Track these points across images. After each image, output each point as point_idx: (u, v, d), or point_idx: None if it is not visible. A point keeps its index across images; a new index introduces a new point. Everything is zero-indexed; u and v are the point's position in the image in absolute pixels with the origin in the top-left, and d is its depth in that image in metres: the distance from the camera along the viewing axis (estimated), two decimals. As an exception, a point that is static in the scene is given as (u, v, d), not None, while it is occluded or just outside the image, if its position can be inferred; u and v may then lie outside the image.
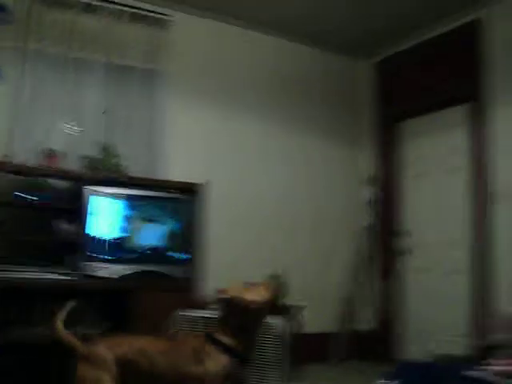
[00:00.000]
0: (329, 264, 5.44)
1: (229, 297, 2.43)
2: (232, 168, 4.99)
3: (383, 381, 2.21)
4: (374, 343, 5.28)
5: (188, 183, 4.25)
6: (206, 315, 3.15)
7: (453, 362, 2.71)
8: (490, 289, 4.39)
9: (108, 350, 2.25)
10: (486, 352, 2.70)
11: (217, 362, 2.30)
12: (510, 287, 3.53)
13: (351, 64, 5.87)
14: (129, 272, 3.88)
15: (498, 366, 2.41)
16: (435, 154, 5.19)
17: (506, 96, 4.46)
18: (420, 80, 5.21)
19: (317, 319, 5.16)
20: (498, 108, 4.51)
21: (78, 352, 2.26)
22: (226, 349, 2.34)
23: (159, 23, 4.65)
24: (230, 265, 4.72)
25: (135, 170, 4.36)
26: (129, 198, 4.00)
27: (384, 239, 5.49)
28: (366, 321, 5.50)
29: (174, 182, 4.34)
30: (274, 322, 2.89)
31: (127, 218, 3.99)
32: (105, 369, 2.20)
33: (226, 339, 2.35)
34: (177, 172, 4.52)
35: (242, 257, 4.88)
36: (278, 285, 3.21)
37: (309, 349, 4.95)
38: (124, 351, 2.27)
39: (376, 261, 5.52)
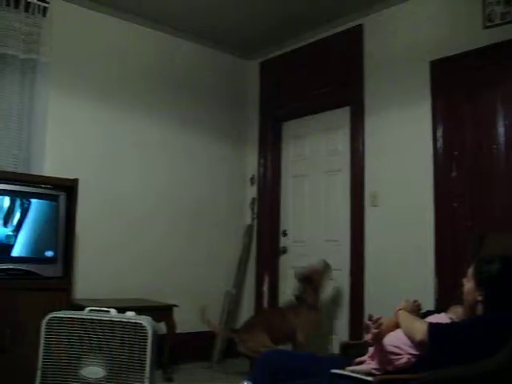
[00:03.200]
0: (212, 263, 5.39)
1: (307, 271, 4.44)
2: (109, 164, 4.79)
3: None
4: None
5: (60, 179, 4.03)
6: (80, 316, 2.95)
7: (321, 358, 2.73)
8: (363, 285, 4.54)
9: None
10: (351, 350, 2.74)
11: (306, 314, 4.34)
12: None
13: (240, 63, 5.85)
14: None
15: (362, 365, 2.44)
16: (316, 155, 5.29)
17: (379, 102, 4.61)
18: (304, 82, 5.29)
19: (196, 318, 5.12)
20: (374, 113, 4.65)
21: None
22: (309, 304, 4.38)
23: (39, 11, 4.35)
24: (104, 264, 4.60)
25: (7, 164, 4.13)
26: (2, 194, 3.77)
27: (265, 238, 5.52)
28: (246, 318, 5.49)
29: (46, 177, 4.11)
30: (142, 321, 2.76)
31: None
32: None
33: (308, 298, 4.38)
34: (51, 167, 4.30)
35: (117, 256, 4.75)
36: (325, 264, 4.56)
37: (191, 348, 4.92)
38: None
39: (257, 259, 5.53)
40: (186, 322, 4.79)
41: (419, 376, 2.02)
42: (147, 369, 2.75)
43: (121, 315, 2.89)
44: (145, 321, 2.79)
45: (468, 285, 2.48)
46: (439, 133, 4.16)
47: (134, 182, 4.92)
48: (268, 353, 2.73)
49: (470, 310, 2.45)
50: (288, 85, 5.46)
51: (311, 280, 4.46)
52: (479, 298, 2.41)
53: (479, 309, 2.42)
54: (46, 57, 4.37)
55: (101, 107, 4.75)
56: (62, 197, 3.98)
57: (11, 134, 4.25)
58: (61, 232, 3.96)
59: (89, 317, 2.88)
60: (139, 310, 3.08)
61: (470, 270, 2.51)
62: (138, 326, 2.78)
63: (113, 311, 2.90)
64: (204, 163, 5.45)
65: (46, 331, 2.84)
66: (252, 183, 5.70)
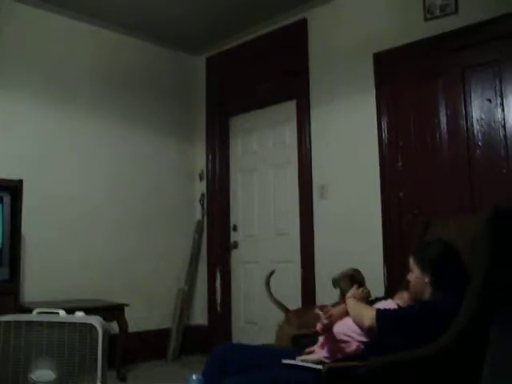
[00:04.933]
0: (162, 260, 5.34)
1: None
2: (51, 164, 4.66)
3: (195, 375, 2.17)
4: (207, 336, 5.29)
5: (4, 180, 3.94)
6: (28, 319, 2.88)
7: (273, 350, 2.75)
8: (314, 277, 4.59)
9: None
10: (302, 340, 2.77)
11: None
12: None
13: (186, 59, 5.81)
14: None
15: (312, 354, 2.48)
16: (263, 149, 5.32)
17: (325, 95, 4.66)
18: (250, 76, 5.30)
19: (153, 316, 5.10)
20: (320, 106, 4.69)
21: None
22: None
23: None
24: (52, 265, 4.52)
25: None
26: None
27: (215, 233, 5.52)
28: (199, 315, 5.53)
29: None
30: (92, 322, 2.72)
31: None
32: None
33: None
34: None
35: (64, 256, 4.65)
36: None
37: (145, 347, 4.90)
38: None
39: (208, 255, 5.53)
40: (139, 320, 4.76)
41: (367, 363, 2.06)
42: (99, 370, 2.72)
43: (70, 316, 2.85)
44: (95, 321, 2.76)
45: (413, 275, 2.56)
46: (384, 124, 4.24)
47: (76, 181, 4.80)
48: (221, 347, 2.73)
49: (420, 295, 2.51)
50: (235, 79, 5.46)
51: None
52: (426, 280, 2.49)
53: (428, 291, 2.49)
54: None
55: (40, 106, 4.62)
56: (7, 198, 3.88)
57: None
58: (6, 234, 3.86)
59: (37, 319, 2.83)
60: (89, 311, 3.06)
61: (411, 261, 2.58)
62: (87, 327, 2.75)
63: (62, 313, 2.86)
64: (150, 160, 5.39)
65: (-8, 336, 2.78)
66: (201, 179, 5.69)
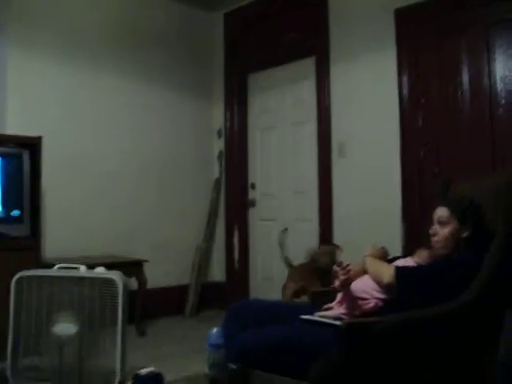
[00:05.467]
0: (181, 217, 5.38)
1: None
2: (72, 122, 4.64)
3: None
4: (225, 293, 5.37)
5: (24, 137, 3.93)
6: (49, 274, 2.93)
7: (293, 305, 2.78)
8: (332, 236, 4.59)
9: None
10: (320, 297, 2.78)
11: None
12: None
13: (203, 15, 5.71)
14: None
15: (331, 310, 2.49)
16: (282, 107, 5.26)
17: (345, 51, 4.57)
18: (269, 32, 5.22)
19: (172, 273, 5.16)
20: (339, 63, 4.61)
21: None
22: None
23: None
24: (72, 221, 4.57)
25: None
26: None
27: (233, 191, 5.53)
28: (217, 271, 5.61)
29: (8, 135, 4.00)
30: (112, 276, 2.76)
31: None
32: None
33: None
34: (14, 125, 4.19)
35: (85, 213, 4.69)
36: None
37: (163, 303, 4.97)
38: None
39: (226, 212, 5.55)
40: (157, 277, 4.82)
41: (386, 319, 2.06)
42: (119, 324, 2.76)
43: (90, 271, 2.89)
44: (115, 275, 2.80)
45: (446, 229, 2.45)
46: (405, 81, 4.17)
47: (97, 139, 4.81)
48: (238, 302, 2.76)
49: (445, 250, 2.47)
50: (253, 36, 5.39)
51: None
52: (465, 234, 2.43)
53: (458, 247, 2.43)
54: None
55: (62, 63, 4.59)
56: (26, 155, 3.89)
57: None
58: (26, 191, 3.88)
59: (58, 274, 2.87)
60: (109, 266, 3.08)
61: (447, 213, 2.49)
62: (108, 281, 2.78)
63: (82, 268, 2.90)
64: (169, 118, 5.37)
65: (15, 291, 2.83)
66: (219, 136, 5.66)
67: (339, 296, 2.51)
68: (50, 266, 3.09)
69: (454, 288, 2.21)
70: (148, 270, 4.47)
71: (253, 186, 5.48)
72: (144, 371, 2.76)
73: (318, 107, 4.78)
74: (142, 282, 4.38)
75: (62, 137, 4.52)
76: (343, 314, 2.41)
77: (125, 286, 2.82)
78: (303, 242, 4.72)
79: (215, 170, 5.66)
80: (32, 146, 3.93)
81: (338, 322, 2.24)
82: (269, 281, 5.19)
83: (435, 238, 2.50)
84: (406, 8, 4.13)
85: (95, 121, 4.82)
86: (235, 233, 5.49)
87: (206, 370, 2.76)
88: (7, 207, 3.85)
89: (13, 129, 4.15)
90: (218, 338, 2.65)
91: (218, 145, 5.67)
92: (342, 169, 4.56)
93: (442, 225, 2.48)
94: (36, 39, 4.46)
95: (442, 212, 2.51)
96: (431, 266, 2.45)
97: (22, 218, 3.86)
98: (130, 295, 3.03)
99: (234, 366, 2.20)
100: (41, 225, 3.96)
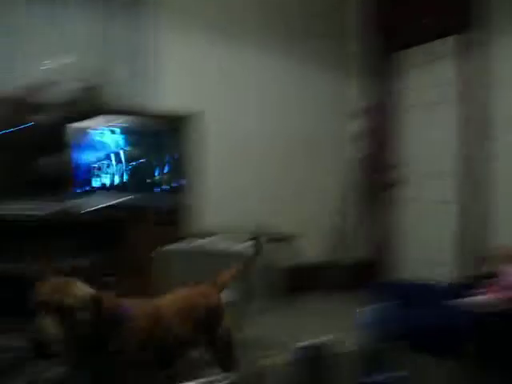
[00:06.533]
0: (321, 195, 5.46)
1: None
2: (227, 99, 4.86)
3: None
4: (366, 272, 5.33)
5: (180, 114, 4.14)
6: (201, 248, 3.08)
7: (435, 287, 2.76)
8: (479, 221, 4.47)
9: None
10: (472, 281, 2.74)
11: None
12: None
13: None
14: (117, 204, 3.71)
15: (482, 295, 2.45)
16: (428, 86, 5.14)
17: (505, 24, 4.35)
18: (415, 8, 5.08)
19: (310, 250, 5.22)
20: (498, 38, 4.40)
21: None
22: None
23: None
24: (227, 198, 4.71)
25: (124, 101, 4.21)
26: (121, 129, 3.84)
27: (375, 170, 5.52)
28: (358, 250, 5.58)
29: (165, 112, 4.19)
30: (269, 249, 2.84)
31: (116, 150, 3.84)
32: None
33: None
34: (168, 102, 4.36)
35: (240, 189, 4.86)
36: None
37: (301, 279, 5.05)
38: None
39: (368, 192, 5.56)
40: (302, 253, 4.91)
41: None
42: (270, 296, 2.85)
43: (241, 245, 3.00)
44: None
45: None
46: None
47: (251, 118, 5.02)
48: (385, 281, 2.79)
49: None
50: (397, 12, 5.26)
51: None
52: None
53: None
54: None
55: (215, 41, 4.81)
56: (183, 130, 4.09)
57: (133, 70, 4.38)
58: (188, 166, 4.09)
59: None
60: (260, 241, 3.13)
61: None
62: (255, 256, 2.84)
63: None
64: (311, 96, 5.46)
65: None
66: (360, 115, 5.63)
67: (489, 281, 2.47)
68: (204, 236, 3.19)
69: None
70: (296, 245, 4.59)
71: (395, 166, 5.41)
72: (310, 342, 2.60)
73: (465, 87, 4.63)
74: (291, 256, 4.48)
75: (218, 114, 4.66)
76: (495, 300, 2.36)
77: (276, 259, 2.88)
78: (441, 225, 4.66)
79: (354, 149, 5.65)
80: (192, 119, 4.14)
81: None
82: (414, 261, 5.12)
83: None
84: None
85: (247, 99, 5.02)
86: (378, 212, 5.48)
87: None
88: (169, 181, 3.99)
89: (165, 105, 4.31)
90: (370, 317, 2.68)
91: (357, 123, 5.66)
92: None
93: None
94: (187, 18, 4.66)
95: None
96: None
97: (184, 192, 4.05)
98: (280, 270, 3.10)
99: (385, 345, 2.25)
100: (200, 200, 4.18)
